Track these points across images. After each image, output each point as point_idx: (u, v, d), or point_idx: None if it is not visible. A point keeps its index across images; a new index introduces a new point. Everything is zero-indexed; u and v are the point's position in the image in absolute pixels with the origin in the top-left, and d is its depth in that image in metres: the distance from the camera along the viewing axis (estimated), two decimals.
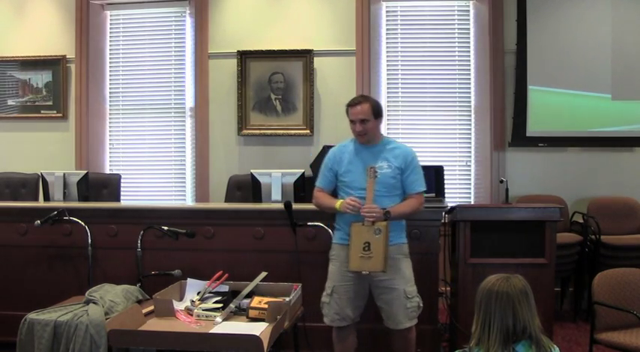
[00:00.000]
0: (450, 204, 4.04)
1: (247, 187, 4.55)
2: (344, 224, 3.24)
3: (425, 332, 3.57)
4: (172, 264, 3.67)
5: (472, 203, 5.43)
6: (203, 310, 3.01)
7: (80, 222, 3.83)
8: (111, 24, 5.92)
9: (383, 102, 5.49)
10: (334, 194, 3.39)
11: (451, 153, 5.51)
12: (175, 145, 5.87)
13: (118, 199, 5.03)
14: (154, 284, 3.47)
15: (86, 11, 5.77)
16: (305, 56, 5.46)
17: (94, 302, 3.17)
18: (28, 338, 3.03)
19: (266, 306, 2.95)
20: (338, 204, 3.20)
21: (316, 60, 5.47)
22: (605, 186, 5.25)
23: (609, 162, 5.29)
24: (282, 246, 3.77)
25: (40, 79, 5.85)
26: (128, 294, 3.31)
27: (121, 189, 5.13)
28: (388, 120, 5.46)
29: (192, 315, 3.00)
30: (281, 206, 3.66)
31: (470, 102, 5.51)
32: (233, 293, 3.20)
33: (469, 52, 5.50)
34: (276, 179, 4.18)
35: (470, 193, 5.52)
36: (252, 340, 2.57)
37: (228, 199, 4.91)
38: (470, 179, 5.52)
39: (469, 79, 5.51)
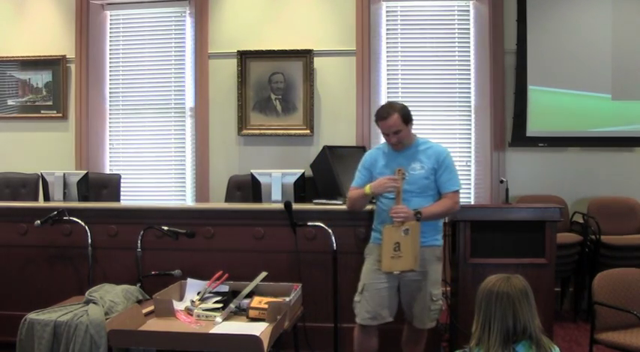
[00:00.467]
0: None
1: (247, 187, 4.55)
2: (379, 225, 3.27)
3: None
4: (172, 264, 3.67)
5: (472, 203, 5.43)
6: (203, 310, 3.02)
7: (80, 222, 3.83)
8: (111, 24, 5.92)
9: (383, 102, 5.49)
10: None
11: (451, 153, 5.49)
12: (175, 145, 5.86)
13: (118, 199, 5.03)
14: (154, 284, 3.48)
15: (86, 11, 5.77)
16: (305, 56, 5.46)
17: (94, 302, 3.17)
18: (28, 338, 3.03)
19: (266, 306, 2.96)
20: (367, 188, 3.23)
21: (316, 60, 5.47)
22: (605, 186, 5.25)
23: (609, 162, 5.29)
24: (282, 246, 3.77)
25: (40, 79, 5.85)
26: (128, 294, 3.31)
27: (121, 189, 5.13)
28: None
29: (192, 315, 3.01)
30: (281, 206, 3.66)
31: (470, 102, 5.51)
32: (233, 293, 3.20)
33: (469, 52, 5.50)
34: (276, 179, 4.18)
35: (470, 193, 5.52)
36: (252, 340, 2.57)
37: (228, 199, 4.92)
38: (470, 179, 5.52)
39: (469, 79, 5.51)
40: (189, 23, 5.77)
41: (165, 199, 5.82)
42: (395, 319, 3.32)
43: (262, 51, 5.51)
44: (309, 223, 3.65)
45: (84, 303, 3.23)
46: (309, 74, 5.45)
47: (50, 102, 5.84)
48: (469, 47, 5.50)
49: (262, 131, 5.55)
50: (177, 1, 5.77)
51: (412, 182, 3.20)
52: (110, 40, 5.92)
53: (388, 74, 5.58)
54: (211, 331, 2.80)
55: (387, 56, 5.58)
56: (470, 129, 5.52)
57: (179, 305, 3.13)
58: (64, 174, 4.48)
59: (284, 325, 2.87)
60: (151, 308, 3.08)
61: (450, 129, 5.55)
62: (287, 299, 3.05)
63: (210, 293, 3.20)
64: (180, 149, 5.85)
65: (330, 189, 4.54)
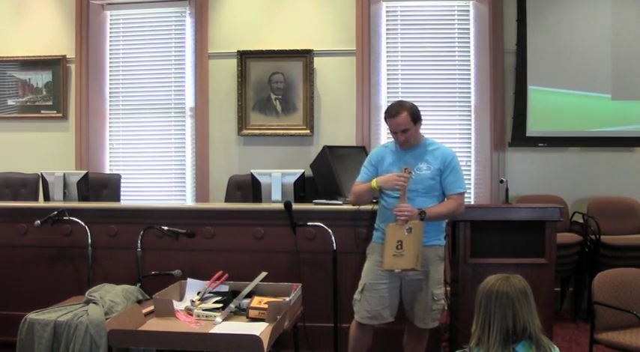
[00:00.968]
0: None
1: (247, 187, 4.55)
2: (382, 224, 3.28)
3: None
4: (172, 264, 3.68)
5: (472, 203, 5.42)
6: (203, 310, 3.01)
7: (80, 222, 3.83)
8: (111, 24, 5.92)
9: (383, 102, 5.50)
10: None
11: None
12: (175, 145, 5.86)
13: (118, 199, 5.03)
14: (154, 284, 3.47)
15: (86, 11, 5.76)
16: (305, 56, 5.46)
17: (94, 302, 3.17)
18: (28, 338, 3.03)
19: (266, 306, 2.95)
20: (373, 182, 3.23)
21: (316, 60, 5.47)
22: (605, 186, 5.25)
23: (609, 162, 5.29)
24: (282, 246, 3.77)
25: (40, 79, 5.85)
26: (128, 294, 3.31)
27: (121, 189, 5.14)
28: None
29: (192, 315, 3.01)
30: (281, 206, 3.67)
31: (470, 102, 5.51)
32: (233, 293, 3.20)
33: (469, 52, 5.50)
34: (276, 179, 4.18)
35: (470, 193, 5.51)
36: (252, 340, 2.57)
37: (228, 199, 4.92)
38: (470, 179, 5.51)
39: (469, 78, 5.51)
40: (189, 23, 5.77)
41: (165, 199, 5.82)
42: (395, 319, 3.33)
43: (262, 51, 5.51)
44: (309, 223, 3.65)
45: (84, 303, 3.23)
46: (309, 74, 5.45)
47: (50, 102, 5.84)
48: (469, 47, 5.50)
49: (262, 131, 5.55)
50: (177, 0, 5.77)
51: (418, 181, 3.21)
52: (110, 40, 5.91)
53: (388, 74, 5.58)
54: (211, 331, 2.80)
55: (387, 56, 5.58)
56: (470, 129, 5.52)
57: (179, 305, 3.13)
58: (64, 174, 4.48)
59: (284, 325, 2.87)
60: (151, 308, 3.08)
61: (450, 129, 5.54)
62: (287, 299, 3.05)
63: (210, 293, 3.19)
64: (180, 149, 5.85)
65: (330, 189, 4.54)
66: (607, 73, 5.19)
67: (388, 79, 5.58)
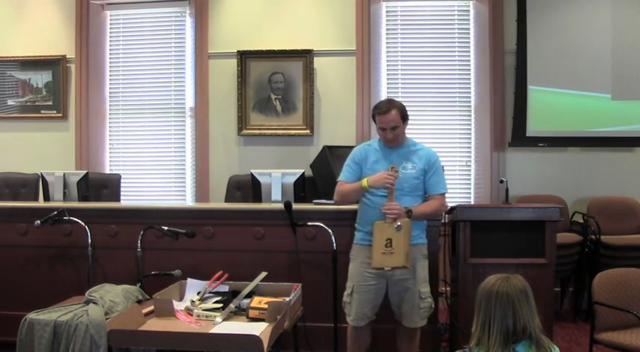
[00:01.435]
0: (450, 204, 4.04)
1: (247, 187, 4.55)
2: (366, 223, 3.29)
3: (425, 332, 3.56)
4: (172, 264, 3.67)
5: (472, 203, 5.43)
6: (203, 310, 3.01)
7: (80, 222, 3.83)
8: (111, 24, 5.92)
9: None
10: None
11: (451, 153, 5.51)
12: (175, 145, 5.87)
13: (118, 199, 5.03)
14: (154, 284, 3.47)
15: (86, 11, 5.76)
16: (305, 56, 5.46)
17: (94, 302, 3.17)
18: (28, 338, 3.02)
19: (266, 306, 2.95)
20: (364, 181, 3.22)
21: (316, 60, 5.47)
22: (605, 186, 5.25)
23: (609, 162, 5.29)
24: (282, 246, 3.78)
25: (40, 79, 5.85)
26: (128, 294, 3.31)
27: (121, 189, 5.13)
28: None
29: (192, 315, 3.00)
30: (281, 206, 3.66)
31: (470, 102, 5.51)
32: (233, 293, 3.20)
33: (469, 52, 5.50)
34: (276, 179, 4.18)
35: (470, 193, 5.52)
36: (252, 340, 2.57)
37: (228, 199, 4.92)
38: (470, 179, 5.52)
39: (469, 78, 5.51)
40: (189, 23, 5.77)
41: (165, 199, 5.82)
42: (391, 319, 3.34)
43: (262, 51, 5.51)
44: (309, 223, 3.65)
45: (84, 303, 3.23)
46: (309, 74, 5.45)
47: (50, 102, 5.84)
48: (469, 47, 5.50)
49: (262, 131, 5.55)
50: (177, 0, 5.77)
51: (403, 180, 3.24)
52: (110, 40, 5.92)
53: (388, 74, 5.58)
54: (211, 331, 2.79)
55: (387, 56, 5.58)
56: (470, 129, 5.52)
57: (179, 305, 3.13)
58: (64, 174, 4.48)
59: (284, 325, 2.87)
60: (151, 308, 3.08)
61: (450, 129, 5.55)
62: (287, 299, 3.05)
63: (210, 293, 3.19)
64: (180, 149, 5.85)
65: (330, 189, 4.48)
66: (607, 73, 5.19)
67: (388, 79, 5.58)
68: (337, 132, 5.47)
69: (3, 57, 5.86)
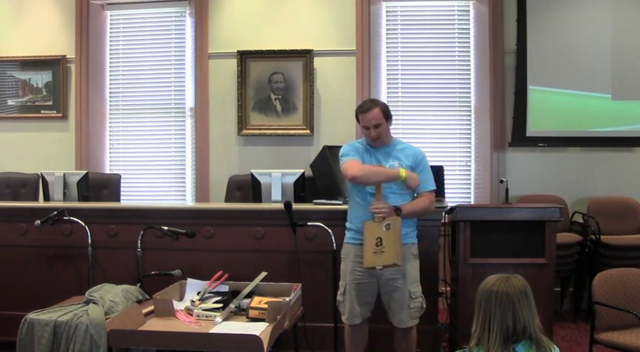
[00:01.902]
0: (450, 204, 4.04)
1: (247, 187, 4.55)
2: (355, 222, 3.29)
3: (425, 332, 3.57)
4: (172, 264, 3.68)
5: (472, 203, 5.43)
6: (203, 310, 3.01)
7: (80, 222, 3.83)
8: (111, 24, 5.92)
9: (383, 102, 5.49)
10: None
11: (451, 153, 5.51)
12: (175, 145, 5.86)
13: (118, 199, 5.03)
14: (154, 284, 3.47)
15: (86, 11, 5.76)
16: (305, 56, 5.46)
17: (94, 302, 3.17)
18: (28, 338, 3.03)
19: (266, 306, 2.95)
20: (403, 171, 3.18)
21: (316, 60, 5.47)
22: (605, 186, 5.25)
23: (609, 162, 5.29)
24: (282, 246, 3.78)
25: (40, 79, 5.85)
26: (128, 294, 3.31)
27: (121, 189, 5.13)
28: None
29: (192, 315, 3.00)
30: (281, 206, 3.67)
31: (470, 102, 5.51)
32: (233, 293, 3.20)
33: (469, 52, 5.50)
34: (276, 179, 4.18)
35: (470, 193, 5.52)
36: (252, 340, 2.57)
37: (228, 199, 4.92)
38: (470, 179, 5.52)
39: (469, 79, 5.51)
40: (189, 23, 5.77)
41: (165, 199, 5.82)
42: (387, 319, 3.34)
43: (262, 51, 5.51)
44: (309, 223, 3.65)
45: (84, 303, 3.23)
46: (309, 74, 5.45)
47: (50, 102, 5.84)
48: (469, 47, 5.50)
49: (262, 131, 5.55)
50: (177, 0, 5.77)
51: None
52: (110, 40, 5.92)
53: (388, 74, 5.58)
54: (211, 331, 2.80)
55: (387, 56, 5.58)
56: (470, 129, 5.52)
57: (179, 305, 3.13)
58: (64, 174, 4.48)
59: (284, 325, 2.87)
60: (151, 308, 3.08)
61: (450, 129, 5.55)
62: (287, 299, 3.05)
63: (210, 293, 3.19)
64: (180, 149, 5.85)
65: (330, 189, 4.53)
66: (607, 73, 5.19)
67: (388, 79, 5.58)
68: (337, 132, 5.46)
69: (3, 57, 5.86)
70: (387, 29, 5.59)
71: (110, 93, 5.93)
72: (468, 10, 5.51)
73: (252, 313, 2.98)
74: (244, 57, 5.54)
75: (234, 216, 4.00)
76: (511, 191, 4.88)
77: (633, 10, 5.19)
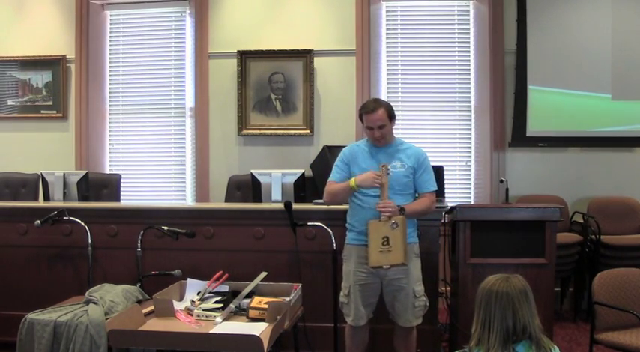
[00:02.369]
0: (450, 204, 4.04)
1: (247, 187, 4.55)
2: (357, 224, 3.29)
3: (425, 332, 3.57)
4: (172, 264, 3.68)
5: (472, 203, 5.43)
6: (203, 310, 3.01)
7: (80, 222, 3.83)
8: (111, 24, 5.92)
9: None
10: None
11: (451, 153, 5.51)
12: (175, 145, 5.87)
13: (118, 199, 5.03)
14: (154, 284, 3.48)
15: (86, 11, 5.76)
16: (305, 56, 5.46)
17: (94, 302, 3.17)
18: (28, 338, 3.03)
19: (266, 306, 2.95)
20: (352, 181, 3.22)
21: (316, 60, 5.47)
22: (605, 186, 5.25)
23: (609, 162, 5.29)
24: (282, 246, 3.78)
25: (40, 79, 5.85)
26: (128, 294, 3.31)
27: (121, 189, 5.13)
28: None
29: (192, 315, 3.01)
30: (281, 206, 3.66)
31: (470, 102, 5.51)
32: (233, 293, 3.20)
33: (469, 52, 5.50)
34: (276, 179, 4.18)
35: (470, 193, 5.52)
36: (252, 340, 2.57)
37: (228, 199, 4.91)
38: (470, 179, 5.52)
39: (469, 79, 5.51)
40: (189, 23, 5.77)
41: (165, 199, 5.82)
42: (388, 319, 3.34)
43: (262, 51, 5.51)
44: (309, 223, 3.65)
45: (84, 303, 3.23)
46: (309, 74, 5.45)
47: (50, 102, 5.84)
48: (469, 47, 5.50)
49: (262, 131, 5.55)
50: (177, 0, 5.77)
51: (393, 179, 3.23)
52: (110, 40, 5.92)
53: (388, 74, 5.58)
54: (211, 331, 2.80)
55: (387, 56, 5.58)
56: (470, 129, 5.52)
57: (179, 305, 3.13)
58: (64, 174, 4.48)
59: (284, 325, 2.87)
60: (151, 308, 3.08)
61: (450, 129, 5.55)
62: (287, 299, 3.05)
63: (210, 293, 3.19)
64: (180, 149, 5.85)
65: None
66: (607, 73, 5.20)
67: (388, 79, 5.58)
68: (337, 132, 5.46)
69: (3, 57, 5.86)
70: (387, 29, 5.59)
71: (110, 93, 5.93)
72: (468, 10, 5.51)
73: (252, 313, 2.98)
74: (244, 57, 5.54)
75: (234, 216, 4.00)
76: (511, 191, 4.88)
77: (633, 10, 5.19)
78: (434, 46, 5.53)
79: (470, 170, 5.52)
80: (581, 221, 4.96)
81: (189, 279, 3.35)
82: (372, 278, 3.26)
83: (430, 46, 5.54)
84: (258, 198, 4.25)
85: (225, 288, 3.26)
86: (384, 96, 5.50)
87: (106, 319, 2.97)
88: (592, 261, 4.71)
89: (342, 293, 3.34)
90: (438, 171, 4.50)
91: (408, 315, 3.27)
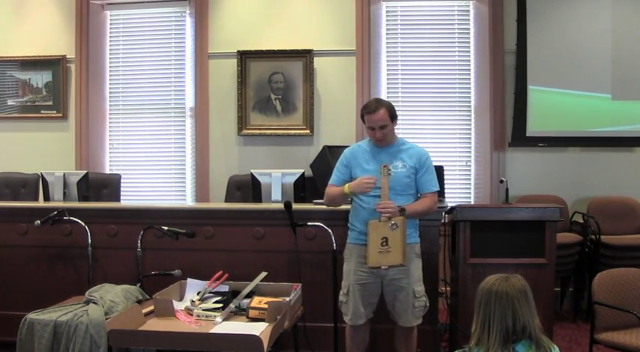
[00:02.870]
0: (450, 204, 4.04)
1: (247, 187, 4.55)
2: (358, 223, 3.29)
3: (425, 332, 3.57)
4: (172, 264, 3.67)
5: (472, 203, 5.43)
6: (203, 310, 3.01)
7: (80, 222, 3.83)
8: (111, 24, 5.92)
9: None
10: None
11: (451, 153, 5.51)
12: (175, 145, 5.87)
13: (118, 199, 5.03)
14: (154, 284, 3.48)
15: (86, 11, 5.77)
16: (305, 56, 5.46)
17: (94, 302, 3.17)
18: (28, 338, 3.03)
19: (266, 306, 2.95)
20: (346, 187, 3.25)
21: (316, 60, 5.47)
22: (605, 186, 5.25)
23: (609, 162, 5.29)
24: (282, 246, 3.77)
25: (40, 79, 5.85)
26: (128, 294, 3.31)
27: (121, 189, 5.13)
28: None
29: (192, 315, 3.00)
30: (281, 206, 3.66)
31: (470, 102, 5.51)
32: (233, 293, 3.20)
33: (469, 52, 5.50)
34: (276, 179, 4.18)
35: (470, 193, 5.52)
36: (252, 340, 2.57)
37: (228, 199, 4.92)
38: (470, 179, 5.52)
39: (469, 79, 5.51)
40: (189, 23, 5.77)
41: (165, 199, 5.82)
42: (388, 319, 3.34)
43: (262, 51, 5.51)
44: (309, 223, 3.65)
45: (84, 303, 3.23)
46: (309, 74, 5.45)
47: (50, 102, 5.84)
48: (469, 47, 5.50)
49: (262, 131, 5.55)
50: (177, 0, 5.77)
51: (395, 180, 3.23)
52: (110, 40, 5.92)
53: (388, 74, 5.58)
54: (211, 331, 2.80)
55: (387, 56, 5.58)
56: (470, 129, 5.52)
57: (179, 305, 3.13)
58: (64, 174, 4.48)
59: (284, 325, 2.87)
60: (151, 308, 3.08)
61: (450, 129, 5.55)
62: (287, 299, 3.05)
63: (210, 293, 3.19)
64: (180, 149, 5.85)
65: None
66: (607, 73, 5.20)
67: (388, 79, 5.58)
68: (337, 132, 5.47)
69: (3, 57, 5.86)
70: (387, 29, 5.59)
71: (110, 93, 5.93)
72: (468, 10, 5.51)
73: (252, 313, 2.98)
74: (244, 57, 5.54)
75: (234, 216, 4.00)
76: (511, 191, 4.88)
77: (633, 10, 5.19)
78: (434, 46, 5.53)
79: (470, 170, 5.52)
80: (581, 221, 4.96)
81: (189, 279, 3.35)
82: (372, 278, 3.26)
83: (430, 46, 5.54)
84: (258, 198, 4.25)
85: (225, 288, 3.25)
86: (384, 97, 5.50)
87: (106, 319, 2.97)
88: (592, 261, 4.71)
89: (341, 293, 3.35)
90: (438, 171, 4.48)
91: (408, 315, 3.27)
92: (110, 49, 5.92)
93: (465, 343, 2.24)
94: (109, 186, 5.04)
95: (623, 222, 5.02)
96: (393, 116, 3.29)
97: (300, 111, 5.51)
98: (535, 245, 3.64)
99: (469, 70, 5.50)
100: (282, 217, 3.67)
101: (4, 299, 4.00)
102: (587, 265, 4.74)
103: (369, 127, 3.29)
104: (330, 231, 3.54)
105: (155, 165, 5.87)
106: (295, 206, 3.66)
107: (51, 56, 5.79)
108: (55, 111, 5.83)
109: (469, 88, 5.51)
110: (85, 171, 4.67)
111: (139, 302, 3.29)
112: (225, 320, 2.96)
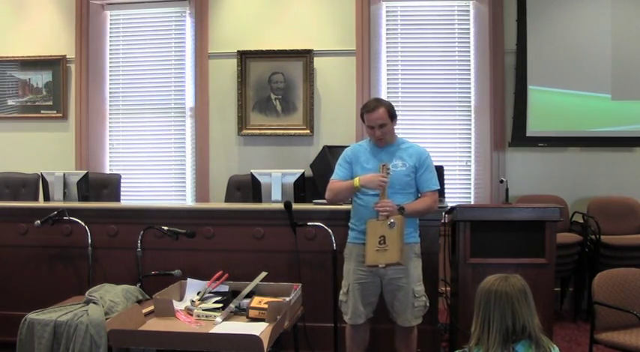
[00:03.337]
0: (450, 204, 4.04)
1: (247, 187, 4.55)
2: (359, 223, 3.30)
3: (425, 332, 3.57)
4: (172, 264, 3.68)
5: (472, 203, 5.43)
6: (203, 310, 3.01)
7: (80, 222, 3.83)
8: (111, 24, 5.92)
9: None
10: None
11: (451, 153, 5.51)
12: (175, 145, 5.87)
13: (118, 199, 5.03)
14: (154, 284, 3.48)
15: (86, 11, 5.77)
16: (305, 56, 5.46)
17: (94, 302, 3.17)
18: (28, 338, 3.03)
19: (266, 306, 2.95)
20: (356, 180, 3.24)
21: (316, 60, 5.47)
22: (605, 186, 5.25)
23: (609, 162, 5.29)
24: (282, 246, 3.78)
25: (40, 79, 5.85)
26: (128, 294, 3.31)
27: (121, 189, 5.13)
28: None
29: (192, 315, 3.01)
30: (281, 206, 3.66)
31: (470, 102, 5.51)
32: (233, 293, 3.21)
33: (469, 52, 5.50)
34: (276, 179, 4.18)
35: (470, 193, 5.52)
36: (252, 340, 2.57)
37: (228, 199, 4.92)
38: (470, 179, 5.52)
39: (469, 79, 5.51)
40: (189, 23, 5.77)
41: (165, 199, 5.82)
42: (388, 319, 3.35)
43: (262, 51, 5.51)
44: (309, 223, 3.65)
45: (84, 303, 3.23)
46: (309, 74, 5.45)
47: (50, 102, 5.84)
48: (469, 47, 5.50)
49: (262, 131, 5.55)
50: (177, 0, 5.77)
51: (394, 179, 3.24)
52: (110, 40, 5.92)
53: (388, 74, 5.58)
54: (211, 331, 2.80)
55: (387, 56, 5.58)
56: (470, 129, 5.52)
57: (179, 305, 3.13)
58: (64, 174, 4.48)
59: (284, 325, 2.87)
60: (151, 308, 3.08)
61: (450, 129, 5.55)
62: (287, 299, 3.05)
63: (210, 293, 3.19)
64: (180, 149, 5.85)
65: None
66: (607, 73, 5.19)
67: (388, 79, 5.58)
68: (337, 132, 5.47)
69: (3, 57, 5.86)
70: (387, 29, 5.59)
71: (110, 93, 5.93)
72: (468, 10, 5.51)
73: (252, 313, 2.98)
74: (244, 57, 5.54)
75: (234, 216, 4.00)
76: (511, 191, 4.88)
77: (633, 10, 5.19)
78: (434, 46, 5.54)
79: (470, 170, 5.52)
80: (581, 221, 4.96)
81: (189, 279, 3.35)
82: (372, 278, 3.26)
83: (430, 46, 5.54)
84: (258, 198, 4.25)
85: (225, 288, 3.26)
86: (384, 96, 5.50)
87: (106, 319, 2.97)
88: (592, 261, 4.71)
89: (341, 292, 3.35)
90: (438, 171, 4.47)
91: (407, 315, 3.28)
92: (110, 49, 5.92)
93: (465, 343, 2.24)
94: (109, 186, 5.04)
95: (623, 222, 5.02)
96: (392, 115, 3.30)
97: (300, 111, 5.51)
98: (535, 245, 3.64)
99: (469, 70, 5.50)
100: (282, 217, 3.67)
101: (4, 299, 4.00)
102: (587, 265, 4.74)
103: (369, 126, 3.30)
104: (330, 231, 3.54)
105: (155, 165, 5.87)
106: (295, 206, 3.66)
107: (51, 56, 5.79)
108: (55, 111, 5.83)
109: (469, 87, 5.51)
110: (85, 171, 4.67)
111: (139, 302, 3.29)
112: (225, 320, 2.96)
